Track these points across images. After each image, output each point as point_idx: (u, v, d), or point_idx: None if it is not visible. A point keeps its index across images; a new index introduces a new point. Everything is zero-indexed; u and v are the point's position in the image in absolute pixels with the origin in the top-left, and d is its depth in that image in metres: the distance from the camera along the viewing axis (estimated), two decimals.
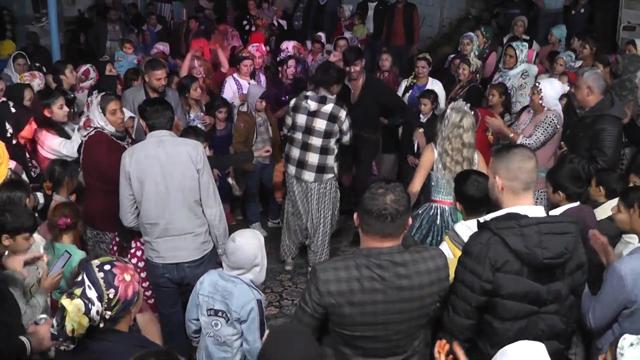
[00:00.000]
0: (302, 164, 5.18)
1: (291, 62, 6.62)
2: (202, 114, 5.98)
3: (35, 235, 3.34)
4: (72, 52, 9.71)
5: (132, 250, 4.14)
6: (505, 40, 8.19)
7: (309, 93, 5.21)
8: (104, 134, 4.27)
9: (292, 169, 5.26)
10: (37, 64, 6.78)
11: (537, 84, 4.97)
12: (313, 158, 5.13)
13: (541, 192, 4.64)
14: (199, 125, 5.58)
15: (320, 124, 5.06)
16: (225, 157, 5.82)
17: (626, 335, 2.12)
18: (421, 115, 6.03)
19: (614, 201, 3.44)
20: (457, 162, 4.02)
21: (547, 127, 4.76)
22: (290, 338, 2.17)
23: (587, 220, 3.47)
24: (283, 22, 10.73)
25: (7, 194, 3.52)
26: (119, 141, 4.33)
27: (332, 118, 5.07)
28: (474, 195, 3.15)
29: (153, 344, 2.34)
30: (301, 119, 5.13)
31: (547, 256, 2.34)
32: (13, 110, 4.35)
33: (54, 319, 2.12)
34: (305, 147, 5.14)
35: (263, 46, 7.37)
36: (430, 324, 2.54)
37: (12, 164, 4.03)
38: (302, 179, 5.20)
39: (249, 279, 3.22)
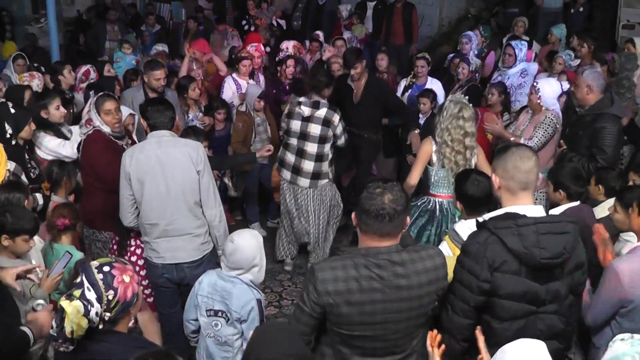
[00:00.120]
0: (297, 170, 5.23)
1: (290, 62, 6.62)
2: (200, 114, 5.98)
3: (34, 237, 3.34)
4: (71, 53, 9.70)
5: (132, 249, 4.14)
6: (505, 40, 8.18)
7: (301, 99, 5.26)
8: (101, 133, 4.27)
9: (287, 174, 5.31)
10: (36, 65, 6.77)
11: (534, 84, 4.97)
12: (308, 165, 5.19)
13: (541, 192, 4.64)
14: (198, 125, 5.59)
15: (314, 129, 5.11)
16: (227, 158, 5.82)
17: (622, 335, 2.12)
18: (420, 115, 6.03)
19: (614, 200, 3.44)
20: (459, 152, 4.02)
21: (547, 127, 4.76)
22: (274, 335, 2.17)
23: (586, 220, 3.47)
24: (282, 22, 10.73)
25: (5, 195, 3.52)
26: (117, 141, 4.32)
27: (326, 122, 5.11)
28: (474, 194, 3.14)
29: (152, 345, 2.34)
30: (295, 125, 5.18)
31: (545, 256, 2.33)
32: (12, 111, 4.34)
33: (53, 320, 2.12)
34: (301, 153, 5.19)
35: (262, 46, 7.38)
36: (429, 323, 2.54)
37: (12, 165, 4.03)
38: (298, 184, 5.25)
39: (249, 279, 3.22)
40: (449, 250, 3.12)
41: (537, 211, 2.46)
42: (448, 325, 2.49)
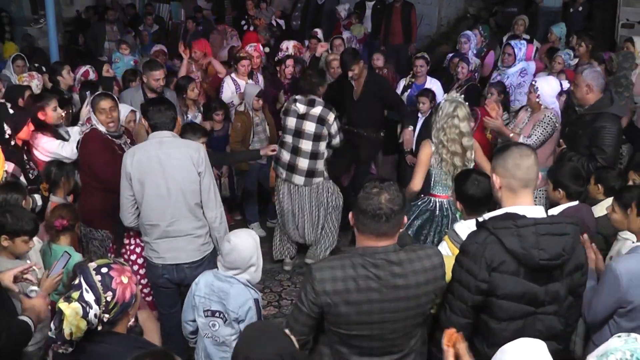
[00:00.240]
0: (292, 168, 5.26)
1: (289, 62, 6.63)
2: (199, 114, 5.98)
3: None
4: (70, 53, 9.70)
5: (132, 247, 4.12)
6: (505, 39, 8.18)
7: (297, 97, 5.29)
8: (98, 132, 4.27)
9: (282, 172, 5.35)
10: (37, 65, 6.76)
11: (533, 83, 4.97)
12: (303, 163, 5.22)
13: (540, 190, 4.64)
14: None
15: (309, 127, 5.15)
16: (228, 154, 5.82)
17: (621, 333, 2.12)
18: (419, 114, 6.03)
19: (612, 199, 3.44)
20: (455, 153, 3.99)
21: (546, 125, 4.76)
22: (262, 335, 2.17)
23: (585, 220, 3.47)
24: (281, 22, 10.73)
25: (3, 196, 3.52)
26: (114, 140, 4.31)
27: (321, 120, 5.14)
28: (474, 194, 3.14)
29: (151, 345, 2.34)
30: (291, 122, 5.22)
31: (543, 257, 2.32)
32: (11, 111, 4.33)
33: (52, 322, 2.11)
34: (295, 151, 5.22)
35: (261, 46, 7.38)
36: (427, 322, 2.54)
37: (10, 166, 4.02)
38: (293, 182, 5.28)
39: (246, 279, 3.21)
40: (448, 250, 3.12)
41: (537, 212, 2.45)
42: (446, 324, 2.48)
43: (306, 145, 5.18)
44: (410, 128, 5.86)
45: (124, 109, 4.92)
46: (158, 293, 3.94)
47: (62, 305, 2.08)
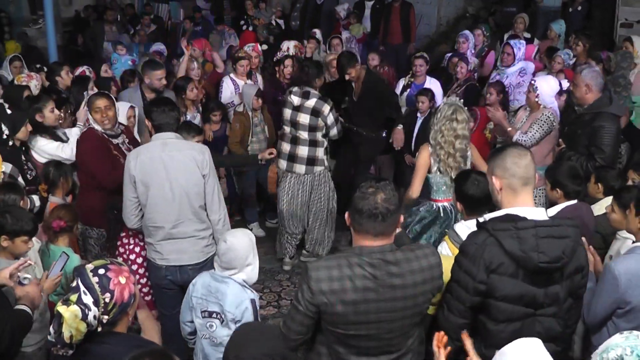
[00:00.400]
0: (292, 158, 5.34)
1: (288, 62, 6.61)
2: (198, 115, 5.97)
3: None
4: (69, 53, 9.69)
5: (131, 247, 4.11)
6: (505, 38, 8.18)
7: (293, 88, 5.35)
8: (94, 131, 4.27)
9: (283, 163, 5.41)
10: (38, 65, 6.73)
11: (532, 82, 4.98)
12: (302, 151, 5.29)
13: (540, 189, 4.64)
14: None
15: (304, 119, 5.22)
16: (227, 156, 5.82)
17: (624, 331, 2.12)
18: (418, 114, 6.03)
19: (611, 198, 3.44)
20: (450, 155, 4.00)
21: (543, 124, 4.76)
22: (252, 336, 2.17)
23: (584, 219, 3.47)
24: (280, 22, 10.73)
25: (0, 197, 3.51)
26: (111, 139, 4.31)
27: (315, 112, 5.20)
28: (474, 194, 3.13)
29: (152, 344, 2.34)
30: (287, 113, 5.32)
31: (543, 260, 2.31)
32: (9, 112, 4.32)
33: (51, 326, 2.11)
34: (295, 140, 5.31)
35: (259, 46, 7.37)
36: (424, 322, 2.54)
37: (8, 167, 4.01)
38: (294, 172, 5.34)
39: (242, 279, 3.21)
40: (448, 250, 3.12)
41: (538, 213, 2.43)
42: (444, 324, 2.49)
43: (304, 134, 5.27)
44: (400, 127, 5.90)
45: (123, 107, 4.91)
46: (161, 294, 3.92)
47: (61, 308, 2.08)
